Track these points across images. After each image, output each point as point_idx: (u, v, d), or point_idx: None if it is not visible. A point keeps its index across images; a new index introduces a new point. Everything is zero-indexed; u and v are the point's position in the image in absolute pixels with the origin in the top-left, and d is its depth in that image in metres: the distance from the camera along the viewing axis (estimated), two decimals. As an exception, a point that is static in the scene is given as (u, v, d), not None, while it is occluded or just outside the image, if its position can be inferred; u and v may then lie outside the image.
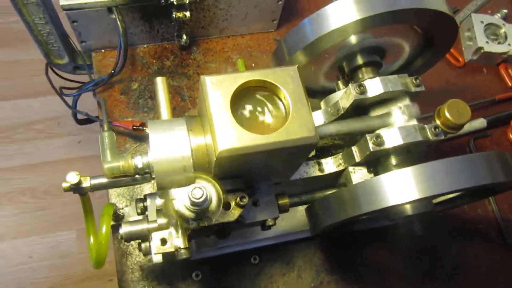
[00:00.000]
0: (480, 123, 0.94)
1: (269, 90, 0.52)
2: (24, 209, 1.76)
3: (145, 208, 0.65)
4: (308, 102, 0.51)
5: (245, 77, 0.50)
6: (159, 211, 0.60)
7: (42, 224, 1.74)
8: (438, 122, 0.65)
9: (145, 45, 0.89)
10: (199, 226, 0.52)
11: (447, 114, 0.70)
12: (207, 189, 0.48)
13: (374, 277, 0.79)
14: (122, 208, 0.71)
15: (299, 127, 0.49)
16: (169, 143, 0.53)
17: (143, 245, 0.59)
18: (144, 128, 0.77)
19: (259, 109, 0.51)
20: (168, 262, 0.59)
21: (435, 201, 0.65)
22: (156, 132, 0.54)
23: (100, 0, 0.73)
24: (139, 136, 0.80)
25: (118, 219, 0.70)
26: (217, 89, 0.49)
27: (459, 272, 0.83)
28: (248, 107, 0.51)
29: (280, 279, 0.76)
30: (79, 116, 0.92)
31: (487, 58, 1.01)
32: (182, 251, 0.52)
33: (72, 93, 0.84)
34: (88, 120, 0.94)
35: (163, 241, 0.53)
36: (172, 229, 0.53)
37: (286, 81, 0.51)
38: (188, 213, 0.50)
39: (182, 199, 0.49)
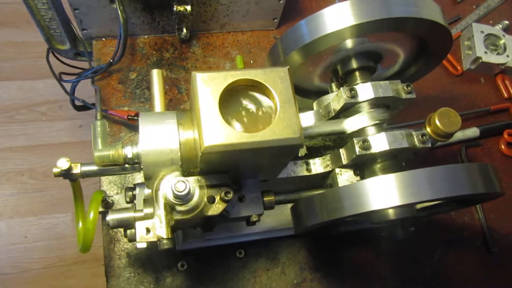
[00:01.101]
0: (473, 132, 0.95)
1: (259, 89, 0.53)
2: (22, 190, 1.78)
3: (133, 197, 0.66)
4: (296, 103, 0.52)
5: (235, 75, 0.51)
6: (146, 201, 0.61)
7: (39, 205, 1.76)
8: (428, 129, 0.66)
9: (146, 36, 0.90)
10: (182, 218, 0.53)
11: (437, 122, 0.70)
12: (190, 183, 0.49)
13: (356, 278, 0.81)
14: (113, 196, 0.72)
15: (285, 128, 0.50)
16: (158, 135, 0.55)
17: (128, 231, 0.61)
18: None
19: (248, 107, 0.52)
20: (153, 249, 0.61)
21: (419, 206, 0.66)
22: (146, 124, 0.55)
23: (102, -11, 0.74)
24: (133, 126, 0.81)
25: (108, 206, 0.71)
26: (207, 86, 0.50)
27: (440, 279, 0.84)
28: (237, 105, 0.52)
29: (264, 274, 0.77)
30: (77, 103, 0.93)
31: (485, 68, 1.01)
32: (165, 241, 0.53)
33: (71, 79, 0.85)
34: (85, 107, 0.96)
35: (147, 230, 0.54)
36: (156, 219, 0.54)
37: (276, 82, 0.52)
38: (172, 205, 0.51)
39: (166, 191, 0.50)
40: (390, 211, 0.62)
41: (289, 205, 0.79)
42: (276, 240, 0.79)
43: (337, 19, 0.62)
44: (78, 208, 0.66)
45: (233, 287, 0.75)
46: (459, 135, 0.94)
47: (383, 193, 0.54)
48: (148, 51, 0.89)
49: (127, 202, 0.66)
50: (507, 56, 1.00)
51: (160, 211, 0.54)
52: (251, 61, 0.93)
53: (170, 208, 0.53)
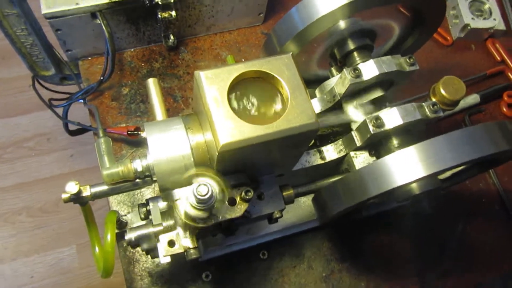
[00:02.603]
0: (473, 98, 0.94)
1: (265, 80, 0.51)
2: (21, 229, 1.73)
3: (148, 213, 0.63)
4: (305, 88, 0.50)
5: (240, 69, 0.49)
6: (163, 214, 0.59)
7: (40, 242, 1.71)
8: (434, 100, 0.65)
9: (132, 49, 0.87)
10: (206, 224, 0.51)
11: (442, 91, 0.70)
12: (211, 185, 0.47)
13: (384, 262, 0.79)
14: (125, 215, 0.70)
15: (299, 115, 0.48)
16: (168, 143, 0.52)
17: (146, 246, 0.58)
18: (139, 133, 0.76)
19: (256, 100, 0.50)
20: (174, 264, 0.58)
21: (441, 177, 0.64)
22: (153, 134, 0.53)
23: (83, 6, 0.72)
24: (134, 141, 0.79)
25: (122, 226, 0.69)
26: (213, 84, 0.48)
27: (466, 250, 0.83)
28: (246, 99, 0.50)
29: (291, 271, 0.75)
30: (71, 127, 0.90)
31: (474, 34, 1.01)
32: (192, 251, 0.51)
33: (62, 104, 0.82)
34: (80, 131, 0.93)
35: (171, 243, 0.51)
36: (179, 230, 0.52)
37: (282, 69, 0.50)
38: (194, 212, 0.49)
39: (187, 198, 0.48)
40: (414, 185, 0.60)
41: (303, 199, 0.78)
42: (298, 236, 0.77)
43: (328, 1, 0.60)
44: (92, 233, 0.63)
45: (263, 291, 0.73)
46: (461, 104, 0.94)
47: (407, 167, 0.52)
48: (137, 64, 0.87)
49: (142, 219, 0.63)
50: (494, 19, 1.00)
51: (182, 221, 0.51)
52: (242, 59, 0.91)
53: (192, 216, 0.51)
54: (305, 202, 0.78)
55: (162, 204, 0.63)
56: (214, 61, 0.90)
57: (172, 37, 0.85)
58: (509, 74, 1.01)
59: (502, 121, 0.54)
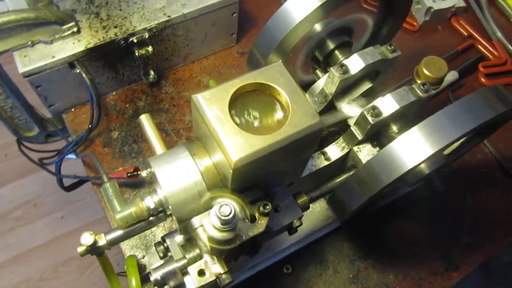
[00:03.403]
0: (452, 75, 0.97)
1: (261, 91, 0.51)
2: (24, 304, 1.66)
3: (166, 250, 0.62)
4: (302, 91, 0.51)
5: (235, 84, 0.50)
6: (184, 247, 0.57)
7: (46, 311, 1.64)
8: (419, 82, 0.66)
9: (114, 92, 0.87)
10: (233, 246, 0.50)
11: (426, 71, 0.72)
12: (232, 204, 0.46)
13: (406, 249, 0.79)
14: (141, 259, 0.68)
15: (303, 117, 0.49)
16: (177, 173, 0.52)
17: (173, 283, 0.57)
18: (139, 173, 0.75)
19: (257, 112, 0.51)
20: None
21: (446, 152, 0.65)
22: (161, 167, 0.52)
23: (60, 58, 0.71)
24: (135, 183, 0.77)
25: (141, 270, 0.66)
26: (212, 104, 0.48)
27: (480, 221, 0.83)
28: (247, 113, 0.50)
29: (318, 280, 0.74)
30: (66, 183, 0.88)
31: (438, 16, 1.05)
32: (224, 276, 0.49)
33: (54, 160, 0.80)
34: (76, 185, 0.90)
35: (201, 272, 0.50)
36: (206, 258, 0.51)
37: (276, 77, 0.51)
38: (219, 235, 0.48)
39: (209, 223, 0.47)
40: (423, 166, 0.61)
41: (315, 205, 0.78)
42: (317, 243, 0.76)
43: (301, 7, 0.62)
44: (114, 284, 0.61)
45: (295, 304, 0.71)
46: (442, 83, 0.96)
47: (414, 148, 0.53)
48: (121, 106, 0.86)
49: (162, 257, 0.62)
50: (453, -2, 1.04)
51: (208, 248, 0.50)
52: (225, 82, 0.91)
53: (217, 239, 0.49)
54: (316, 208, 0.78)
55: (179, 238, 0.62)
56: (197, 89, 0.90)
57: (152, 72, 0.84)
58: (479, 47, 1.04)
59: (493, 86, 0.56)
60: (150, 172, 0.75)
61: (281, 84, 0.50)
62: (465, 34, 1.06)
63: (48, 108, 0.81)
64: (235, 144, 0.46)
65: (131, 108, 0.86)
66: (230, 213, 0.45)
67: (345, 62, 0.63)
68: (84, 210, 1.97)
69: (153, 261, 0.67)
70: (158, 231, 0.75)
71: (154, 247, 0.71)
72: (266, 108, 0.51)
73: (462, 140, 0.66)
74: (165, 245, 0.62)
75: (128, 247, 0.72)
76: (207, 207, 0.52)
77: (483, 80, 1.00)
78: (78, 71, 0.74)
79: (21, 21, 0.67)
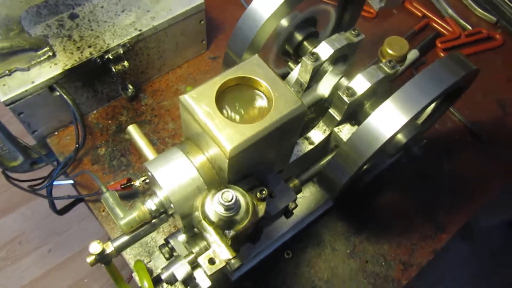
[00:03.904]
0: (413, 54, 1.03)
1: (243, 85, 0.55)
2: None
3: (172, 250, 0.64)
4: (281, 79, 0.54)
5: (218, 81, 0.53)
6: (189, 243, 0.60)
7: None
8: (383, 61, 0.71)
9: (95, 111, 0.88)
10: (236, 232, 0.53)
11: (389, 51, 0.77)
12: (232, 190, 0.49)
13: (395, 219, 0.83)
14: (147, 264, 0.69)
15: (286, 103, 0.52)
16: (174, 172, 0.54)
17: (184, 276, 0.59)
18: (132, 183, 0.77)
19: (243, 104, 0.54)
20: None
21: (420, 121, 0.71)
22: (157, 168, 0.55)
23: (39, 82, 0.73)
24: (129, 194, 0.79)
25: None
26: (200, 101, 0.51)
27: (459, 184, 0.89)
28: (233, 106, 0.54)
29: (318, 260, 0.77)
30: (58, 206, 0.88)
31: (392, 1, 1.12)
32: (233, 261, 0.52)
33: (44, 185, 0.81)
34: (68, 207, 0.91)
35: (211, 261, 0.52)
36: (214, 247, 0.53)
37: (255, 69, 0.54)
38: (223, 223, 0.50)
39: (213, 211, 0.50)
40: (400, 136, 0.65)
41: (305, 191, 0.82)
42: (312, 226, 0.80)
43: (268, 5, 0.66)
44: (124, 290, 0.62)
45: (303, 287, 0.74)
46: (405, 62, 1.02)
47: (389, 119, 0.57)
48: (104, 123, 0.87)
49: (168, 259, 0.64)
50: (402, -18, 1.11)
51: (214, 237, 0.53)
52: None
53: (222, 228, 0.52)
54: (306, 193, 0.81)
55: (182, 237, 0.64)
56: (175, 97, 0.92)
57: (130, 87, 0.87)
58: (434, 25, 1.12)
59: (453, 53, 0.61)
60: (143, 181, 0.77)
61: (261, 76, 0.54)
62: (420, 14, 1.13)
63: (32, 134, 0.82)
64: (227, 135, 0.49)
65: (113, 124, 0.88)
66: (232, 199, 0.48)
67: (315, 50, 0.67)
68: (71, 240, 1.94)
69: (158, 264, 0.69)
70: (158, 237, 0.77)
71: (158, 251, 0.73)
72: (251, 99, 0.55)
73: (431, 106, 0.72)
74: (170, 245, 0.64)
75: (131, 256, 0.74)
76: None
77: (442, 54, 1.07)
78: (58, 93, 0.76)
79: (-4, 51, 0.68)
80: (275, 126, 0.51)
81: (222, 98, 0.53)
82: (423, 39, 1.08)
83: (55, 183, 0.84)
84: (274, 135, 0.51)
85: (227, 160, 0.49)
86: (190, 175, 0.54)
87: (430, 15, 1.13)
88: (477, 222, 2.04)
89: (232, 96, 0.54)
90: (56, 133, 0.85)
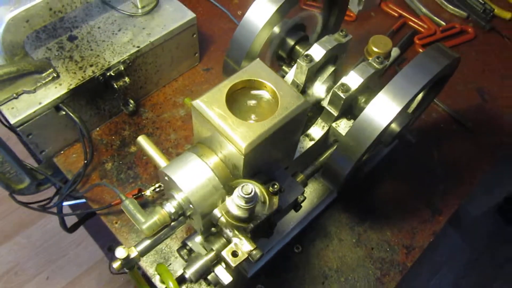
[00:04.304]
0: (395, 51, 1.09)
1: (249, 87, 0.59)
2: None
3: (189, 251, 0.67)
4: (282, 79, 0.59)
5: (227, 85, 0.57)
6: (208, 241, 0.63)
7: None
8: (370, 59, 0.77)
9: (98, 128, 0.91)
10: (254, 225, 0.56)
11: (374, 49, 0.82)
12: (251, 183, 0.52)
13: (395, 206, 0.88)
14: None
15: (291, 100, 0.56)
16: (191, 174, 0.58)
17: (210, 277, 0.62)
18: (143, 193, 0.79)
19: (250, 104, 0.58)
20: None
21: (410, 110, 0.76)
22: (175, 172, 0.58)
23: (46, 103, 0.75)
24: (140, 204, 0.81)
25: (168, 279, 0.70)
26: (212, 104, 0.55)
27: (450, 170, 0.95)
28: (241, 107, 0.58)
29: (327, 251, 0.81)
30: (68, 222, 0.90)
31: (369, 4, 1.18)
32: (254, 252, 0.55)
33: (56, 202, 0.83)
34: (77, 224, 0.93)
35: (234, 254, 0.56)
36: (235, 241, 0.56)
37: (258, 72, 0.59)
38: (242, 215, 0.54)
39: (234, 205, 0.53)
40: (394, 125, 0.70)
41: (308, 187, 0.86)
42: (318, 219, 0.84)
43: (261, 15, 0.71)
44: (148, 293, 0.65)
45: (315, 278, 0.78)
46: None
47: (383, 110, 0.62)
48: (108, 139, 0.90)
49: (186, 260, 0.67)
50: (378, -14, 1.18)
51: (234, 232, 0.56)
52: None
53: (241, 222, 0.56)
54: (310, 188, 0.85)
55: (198, 239, 0.68)
56: (175, 109, 0.96)
57: (132, 101, 0.90)
58: (410, 23, 1.19)
59: (435, 44, 0.66)
60: (153, 190, 0.80)
61: (265, 77, 0.58)
62: (396, 15, 1.20)
63: (40, 155, 0.84)
64: (241, 134, 0.53)
65: (117, 139, 0.90)
66: (251, 191, 0.52)
67: (309, 52, 0.72)
68: (68, 266, 1.93)
69: (177, 267, 0.72)
70: (172, 243, 0.79)
71: (173, 257, 0.76)
72: (258, 100, 0.59)
73: (420, 95, 0.77)
74: (188, 247, 0.67)
75: (148, 264, 0.76)
76: (222, 198, 0.58)
77: (420, 50, 1.13)
78: (64, 112, 0.78)
79: (4, 76, 0.71)
80: (283, 122, 0.55)
81: (231, 101, 0.57)
82: (402, 37, 1.15)
83: (65, 203, 0.87)
84: (282, 130, 0.56)
85: (243, 157, 0.53)
86: (206, 176, 0.58)
87: (406, 15, 1.20)
88: (466, 211, 2.12)
89: (241, 97, 0.58)
90: (62, 152, 0.87)
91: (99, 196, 0.83)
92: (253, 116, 0.57)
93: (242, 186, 0.51)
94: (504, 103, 1.06)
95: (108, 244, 1.67)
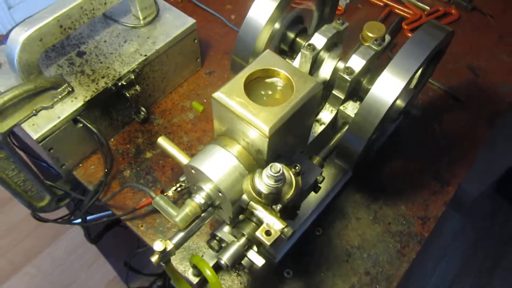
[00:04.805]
0: (386, 38, 1.14)
1: (264, 76, 0.62)
2: None
3: (220, 242, 0.70)
4: (294, 66, 0.62)
5: (243, 75, 0.60)
6: (236, 229, 0.66)
7: None
8: (366, 44, 0.81)
9: (112, 139, 0.94)
10: (283, 204, 0.60)
11: (369, 34, 0.86)
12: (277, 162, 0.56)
13: (405, 181, 0.92)
14: (197, 262, 0.74)
15: (304, 83, 0.60)
16: (217, 163, 0.61)
17: (244, 262, 0.65)
18: (165, 194, 0.82)
19: (267, 91, 0.62)
20: (258, 277, 0.65)
21: (412, 85, 0.80)
22: (202, 163, 0.61)
23: (65, 116, 0.78)
24: (163, 206, 0.84)
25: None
26: (232, 94, 0.58)
27: (452, 142, 0.99)
28: (259, 95, 0.61)
29: (347, 230, 0.84)
30: (92, 232, 0.92)
31: (355, -4, 1.24)
32: (286, 229, 0.58)
33: (80, 213, 0.85)
34: (101, 234, 0.95)
35: (268, 233, 0.59)
36: (267, 220, 0.59)
37: (270, 61, 0.62)
38: (272, 196, 0.57)
39: (263, 186, 0.56)
40: (399, 102, 0.74)
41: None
42: (334, 201, 0.87)
43: (263, 12, 0.75)
44: (183, 286, 0.67)
45: (339, 256, 0.81)
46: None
47: (388, 87, 0.66)
48: (123, 148, 0.93)
49: (217, 251, 0.69)
50: (362, -21, 1.23)
51: (264, 213, 0.59)
52: (204, 100, 1.02)
53: (270, 203, 0.59)
54: (324, 174, 0.89)
55: (226, 228, 0.70)
56: (184, 113, 0.99)
57: (143, 109, 0.93)
58: (396, 10, 1.24)
59: (429, 21, 0.71)
60: (174, 190, 0.83)
61: (278, 65, 0.62)
62: (382, 4, 1.25)
63: (60, 169, 0.86)
64: (263, 118, 0.56)
65: (132, 147, 0.93)
66: (280, 170, 0.55)
67: (311, 42, 0.76)
68: (81, 291, 1.95)
69: (208, 259, 0.74)
70: (198, 240, 0.82)
71: (201, 252, 0.79)
72: (272, 87, 0.62)
73: (420, 70, 0.81)
74: (217, 238, 0.70)
75: (178, 260, 0.79)
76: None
77: (409, 35, 1.18)
78: (81, 125, 0.81)
79: (23, 94, 0.74)
80: (301, 104, 0.58)
81: (248, 90, 0.61)
82: (390, 24, 1.20)
83: (89, 217, 0.89)
84: (300, 112, 0.59)
85: (267, 139, 0.56)
86: (232, 164, 0.61)
87: (391, 3, 1.25)
88: (465, 191, 2.17)
89: (257, 86, 0.62)
90: (80, 165, 0.90)
91: (122, 203, 0.86)
92: (272, 101, 0.61)
93: (271, 166, 0.55)
94: (495, 75, 1.11)
95: (123, 260, 1.69)
